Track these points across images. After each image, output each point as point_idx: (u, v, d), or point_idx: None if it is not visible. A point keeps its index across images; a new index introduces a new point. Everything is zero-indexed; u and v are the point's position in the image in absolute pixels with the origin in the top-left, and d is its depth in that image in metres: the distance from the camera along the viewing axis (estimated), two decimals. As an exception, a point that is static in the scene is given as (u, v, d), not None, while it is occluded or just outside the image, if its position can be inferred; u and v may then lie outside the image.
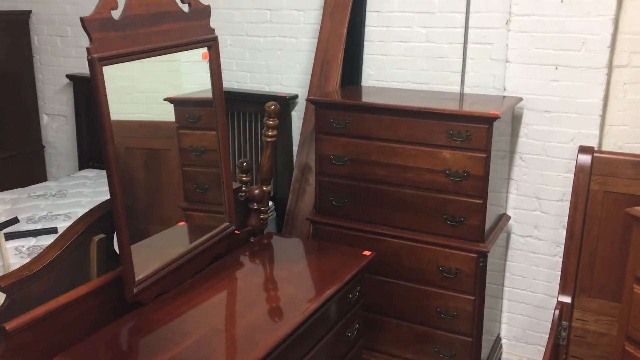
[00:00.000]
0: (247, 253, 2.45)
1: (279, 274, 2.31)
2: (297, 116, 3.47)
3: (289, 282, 2.20)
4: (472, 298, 2.64)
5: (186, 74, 2.34)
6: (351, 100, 2.89)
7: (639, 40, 2.67)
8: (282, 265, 2.39)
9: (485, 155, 2.49)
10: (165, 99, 2.20)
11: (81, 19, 1.74)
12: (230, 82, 3.62)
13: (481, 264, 2.60)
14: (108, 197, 1.87)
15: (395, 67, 3.19)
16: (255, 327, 1.87)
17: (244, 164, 2.63)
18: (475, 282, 2.62)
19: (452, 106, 2.74)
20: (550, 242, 2.95)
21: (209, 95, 2.25)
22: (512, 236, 3.02)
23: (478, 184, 2.53)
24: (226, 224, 2.35)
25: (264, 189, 2.65)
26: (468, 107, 2.70)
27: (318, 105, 2.80)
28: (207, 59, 2.19)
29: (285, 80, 3.54)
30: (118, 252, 1.93)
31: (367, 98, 3.01)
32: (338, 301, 2.20)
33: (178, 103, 2.27)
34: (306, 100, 2.87)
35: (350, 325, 2.34)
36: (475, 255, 2.59)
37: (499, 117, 2.44)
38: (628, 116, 2.76)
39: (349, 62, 3.19)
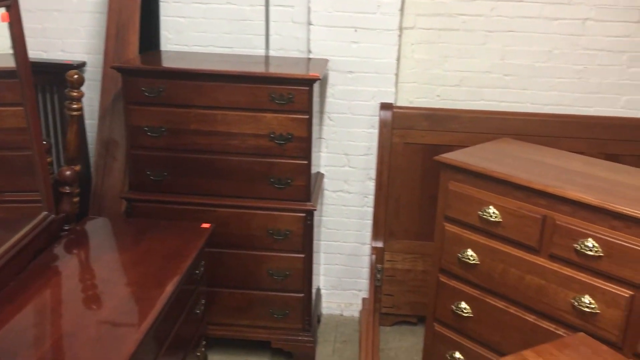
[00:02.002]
0: (71, 243, 2.17)
1: (118, 261, 2.09)
2: (87, 86, 3.11)
3: (133, 268, 2.01)
4: (302, 256, 2.74)
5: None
6: (165, 66, 2.70)
7: (421, 4, 2.97)
8: (119, 251, 2.17)
9: (307, 117, 2.55)
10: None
11: None
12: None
13: (309, 222, 2.69)
14: None
15: (195, 30, 3.05)
16: (112, 323, 1.68)
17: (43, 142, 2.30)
18: (304, 241, 2.71)
19: (261, 69, 2.73)
20: (359, 194, 3.17)
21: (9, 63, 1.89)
22: (325, 192, 3.18)
23: (302, 145, 2.59)
24: (45, 213, 2.04)
25: (74, 169, 2.35)
26: (275, 70, 2.72)
27: (126, 72, 2.55)
28: (7, 22, 1.83)
29: (67, 46, 3.14)
30: None
31: (174, 64, 2.83)
32: (187, 279, 2.09)
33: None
34: (112, 67, 2.59)
35: (197, 302, 2.25)
36: (303, 215, 2.67)
37: (320, 79, 2.52)
38: (416, 74, 3.07)
39: (145, 26, 2.95)
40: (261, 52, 3.05)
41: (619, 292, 2.02)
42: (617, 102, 3.05)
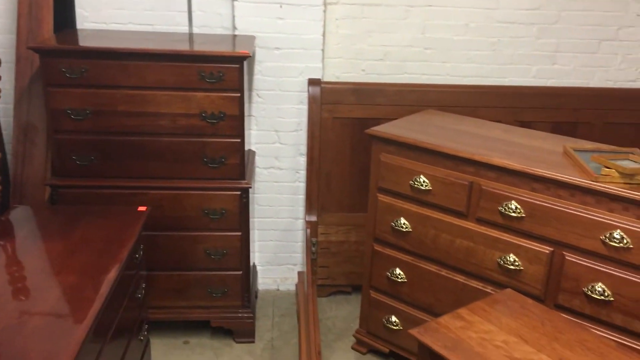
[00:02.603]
0: (2, 235, 2.07)
1: (54, 251, 2.01)
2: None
3: (71, 257, 1.95)
4: (239, 234, 2.75)
5: None
6: (87, 45, 2.59)
7: (344, -20, 3.01)
8: (53, 240, 2.08)
9: (238, 95, 2.54)
10: None
11: None
12: None
13: (244, 200, 2.70)
14: None
15: (113, 6, 2.94)
16: (57, 314, 1.64)
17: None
18: (240, 219, 2.72)
19: (187, 47, 2.68)
20: (291, 170, 3.21)
21: None
22: (257, 169, 3.19)
23: (234, 123, 2.58)
24: (-30, 205, 1.93)
25: (-5, 157, 2.24)
26: (201, 48, 2.68)
27: (44, 53, 2.43)
28: None
29: (-28, 26, 2.94)
30: None
31: (94, 42, 2.72)
32: (128, 264, 2.05)
33: None
34: (28, 48, 2.45)
35: (138, 286, 2.22)
36: (239, 193, 2.68)
37: (250, 56, 2.51)
38: (342, 49, 3.12)
39: (59, 3, 2.80)
40: (184, 29, 2.98)
41: (540, 249, 2.18)
42: (528, 72, 3.23)
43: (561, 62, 3.22)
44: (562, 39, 3.16)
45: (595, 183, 2.02)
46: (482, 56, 3.18)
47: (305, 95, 3.06)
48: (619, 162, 2.07)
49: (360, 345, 2.88)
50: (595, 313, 2.10)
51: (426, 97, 3.07)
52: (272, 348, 2.91)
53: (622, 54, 3.23)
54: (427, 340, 1.84)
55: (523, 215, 2.19)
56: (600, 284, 2.06)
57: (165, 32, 2.94)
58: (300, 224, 3.31)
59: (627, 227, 1.98)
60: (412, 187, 2.45)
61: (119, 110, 2.51)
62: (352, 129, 3.07)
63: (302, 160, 3.18)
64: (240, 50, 2.53)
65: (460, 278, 2.42)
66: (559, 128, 3.11)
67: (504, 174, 2.22)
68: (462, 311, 1.98)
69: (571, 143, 2.40)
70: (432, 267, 2.49)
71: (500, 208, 2.24)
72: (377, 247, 2.66)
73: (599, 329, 2.07)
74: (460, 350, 1.78)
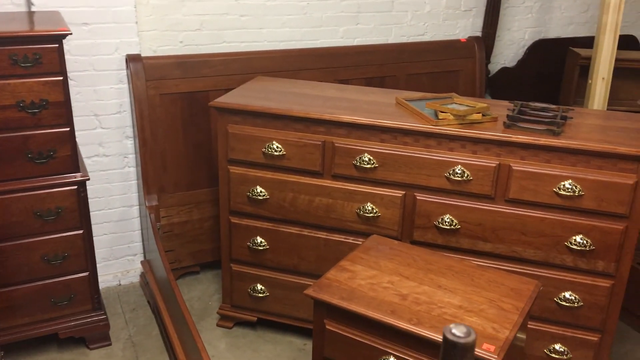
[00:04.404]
0: None
1: None
2: None
3: None
4: (81, 232, 2.50)
5: None
6: None
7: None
8: None
9: (61, 78, 2.27)
10: None
11: None
12: None
13: (82, 195, 2.45)
14: None
15: None
16: None
17: None
18: (80, 215, 2.47)
19: (10, 27, 2.30)
20: (118, 156, 2.98)
21: None
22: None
23: (60, 110, 2.30)
24: None
25: None
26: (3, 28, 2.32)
27: None
28: None
29: None
30: None
31: None
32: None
33: None
34: None
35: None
36: (75, 188, 2.42)
37: (70, 34, 2.24)
38: (155, 21, 2.94)
39: None
40: (-34, 8, 2.54)
41: (394, 194, 2.38)
42: (337, 33, 3.41)
43: (363, 21, 3.45)
44: (362, 0, 3.39)
45: (436, 127, 2.26)
46: (295, 20, 3.27)
47: (125, 73, 2.84)
48: (450, 106, 2.33)
49: (225, 320, 2.85)
50: (446, 242, 2.37)
51: (250, 64, 3.07)
52: (134, 345, 2.73)
53: (411, 10, 3.57)
54: (324, 296, 1.91)
55: (376, 165, 2.35)
56: (448, 215, 2.33)
57: (-59, 13, 2.47)
58: (135, 211, 3.11)
59: (466, 162, 2.26)
60: (265, 154, 2.46)
61: None
62: (182, 104, 2.95)
63: (130, 144, 2.97)
64: (52, 27, 2.24)
65: (322, 235, 2.52)
66: (370, 83, 3.36)
67: (354, 129, 2.36)
68: (344, 263, 2.08)
69: (400, 95, 2.62)
70: (294, 229, 2.56)
71: (354, 162, 2.37)
72: (235, 220, 2.63)
73: (452, 254, 2.34)
74: (356, 299, 1.88)
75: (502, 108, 2.48)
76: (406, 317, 1.80)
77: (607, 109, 3.22)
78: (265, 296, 2.70)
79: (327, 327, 1.94)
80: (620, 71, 3.43)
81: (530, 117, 2.32)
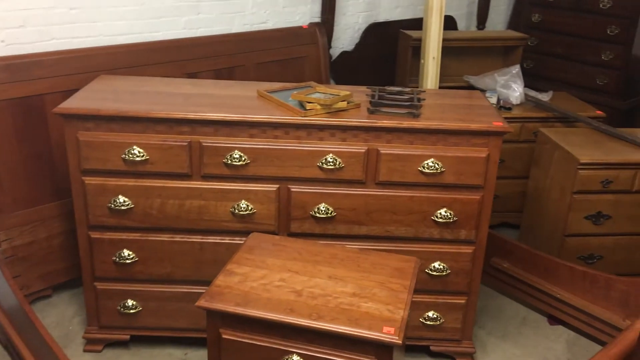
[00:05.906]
0: None
1: None
2: None
3: None
4: None
5: None
6: None
7: None
8: None
9: None
10: None
11: None
12: None
13: None
14: None
15: None
16: None
17: None
18: None
19: None
20: (-61, 177, 2.55)
21: None
22: None
23: None
24: None
25: None
26: None
27: None
28: None
29: None
30: None
31: None
32: None
33: None
34: None
35: None
36: None
37: None
38: (-32, 18, 2.55)
39: None
40: None
41: (268, 189, 2.34)
42: (178, 24, 3.25)
43: (205, 11, 3.32)
44: (201, -12, 3.26)
45: (305, 118, 2.26)
46: (133, 12, 3.04)
47: (-63, 80, 2.43)
48: (314, 96, 2.34)
49: (93, 344, 2.61)
50: (324, 230, 2.40)
51: (89, 62, 2.81)
52: (-12, 391, 2.39)
53: (251, -2, 3.52)
54: (218, 305, 1.82)
55: (248, 161, 2.29)
56: (323, 204, 2.36)
57: None
58: (-34, 238, 2.70)
59: (336, 149, 2.29)
60: (125, 160, 2.27)
61: None
62: (13, 111, 2.60)
63: (-48, 162, 2.56)
64: None
65: (196, 238, 2.41)
66: (220, 74, 3.26)
67: (222, 126, 2.27)
68: (231, 266, 2.00)
69: (261, 87, 2.57)
70: (165, 237, 2.41)
71: (224, 160, 2.29)
72: (95, 235, 2.40)
73: (330, 242, 2.37)
74: (252, 303, 1.83)
75: (360, 94, 2.55)
76: (306, 313, 1.79)
77: (440, 86, 3.47)
78: (138, 311, 2.52)
79: (224, 336, 1.86)
80: (447, 50, 3.71)
81: (390, 102, 2.41)
